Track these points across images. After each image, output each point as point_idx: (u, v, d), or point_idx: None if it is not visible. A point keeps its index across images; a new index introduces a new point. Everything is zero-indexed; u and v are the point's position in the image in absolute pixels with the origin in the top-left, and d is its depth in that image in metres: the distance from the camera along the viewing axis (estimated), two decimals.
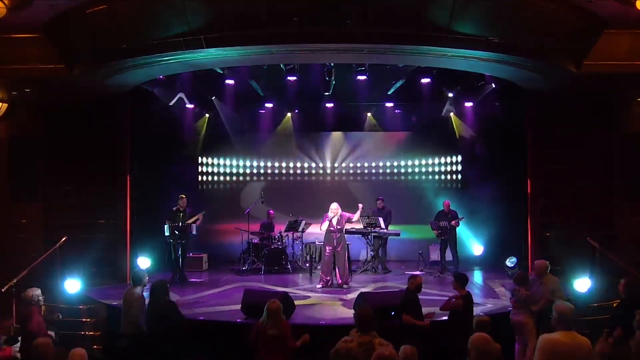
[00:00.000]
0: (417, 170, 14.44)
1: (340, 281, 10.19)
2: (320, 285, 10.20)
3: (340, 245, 10.25)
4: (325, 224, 10.23)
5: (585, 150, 10.70)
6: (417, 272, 11.84)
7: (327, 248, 10.24)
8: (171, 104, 11.96)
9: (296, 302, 8.26)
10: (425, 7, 7.82)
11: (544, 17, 8.12)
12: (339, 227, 10.24)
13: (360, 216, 11.75)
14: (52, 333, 6.98)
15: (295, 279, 11.38)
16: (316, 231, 11.30)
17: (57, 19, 8.27)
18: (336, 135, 14.52)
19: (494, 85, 11.39)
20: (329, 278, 10.24)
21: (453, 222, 11.74)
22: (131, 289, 7.06)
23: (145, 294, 7.05)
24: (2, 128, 10.87)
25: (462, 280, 6.93)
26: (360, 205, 10.51)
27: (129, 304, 6.89)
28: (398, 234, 12.00)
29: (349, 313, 8.05)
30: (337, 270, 10.22)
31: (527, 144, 10.91)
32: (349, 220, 10.41)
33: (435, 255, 12.48)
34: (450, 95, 12.60)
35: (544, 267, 7.37)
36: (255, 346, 5.93)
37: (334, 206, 10.26)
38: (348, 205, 10.65)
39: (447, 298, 7.18)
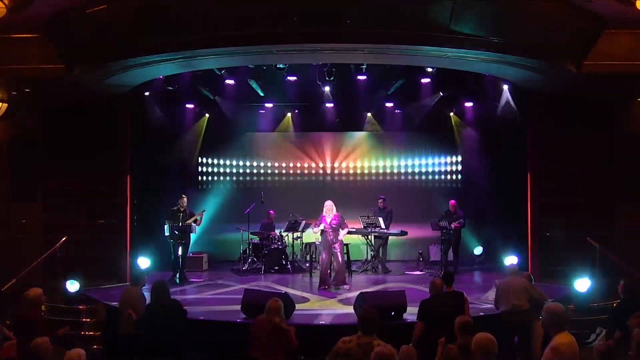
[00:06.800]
0: (417, 170, 14.42)
1: (338, 281, 10.11)
2: (321, 287, 10.14)
3: (337, 244, 10.10)
4: (321, 227, 10.03)
5: (585, 150, 10.71)
6: (418, 272, 11.86)
7: (323, 250, 10.14)
8: None
9: (296, 302, 8.24)
10: (425, 7, 7.82)
11: (544, 17, 8.11)
12: (334, 224, 10.05)
13: (360, 215, 11.75)
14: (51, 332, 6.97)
15: (295, 279, 11.37)
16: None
17: (57, 19, 8.26)
18: (336, 135, 14.50)
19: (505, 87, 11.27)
20: (328, 279, 10.18)
21: (453, 225, 11.45)
22: (130, 289, 7.07)
23: (145, 294, 7.04)
24: (2, 128, 10.86)
25: (447, 278, 6.96)
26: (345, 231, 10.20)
27: (127, 303, 6.88)
28: (398, 234, 11.98)
29: (349, 313, 8.05)
30: (334, 270, 10.13)
31: (528, 144, 10.90)
32: (340, 228, 10.09)
33: (435, 255, 12.46)
34: (441, 94, 12.55)
35: (509, 270, 7.40)
36: (253, 345, 5.92)
37: (328, 203, 10.15)
38: (348, 205, 10.62)
39: None
